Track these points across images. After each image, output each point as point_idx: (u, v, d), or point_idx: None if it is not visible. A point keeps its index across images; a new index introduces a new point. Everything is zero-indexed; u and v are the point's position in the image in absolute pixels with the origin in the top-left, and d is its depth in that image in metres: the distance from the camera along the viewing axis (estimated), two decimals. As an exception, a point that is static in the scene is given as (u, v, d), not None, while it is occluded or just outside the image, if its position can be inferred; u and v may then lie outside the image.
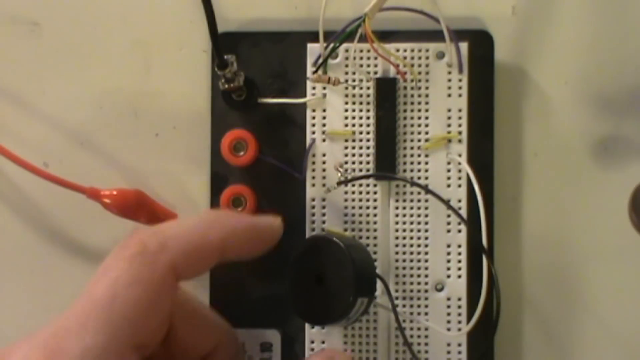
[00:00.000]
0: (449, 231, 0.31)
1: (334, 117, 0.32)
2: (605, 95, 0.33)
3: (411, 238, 0.31)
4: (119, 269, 0.24)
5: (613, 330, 0.32)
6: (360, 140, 0.32)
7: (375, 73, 0.32)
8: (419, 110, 0.32)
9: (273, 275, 0.32)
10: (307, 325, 0.31)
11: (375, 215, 0.31)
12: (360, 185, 0.31)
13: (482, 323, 0.30)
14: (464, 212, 0.31)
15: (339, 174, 0.31)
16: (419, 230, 0.31)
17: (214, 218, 0.27)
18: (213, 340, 0.28)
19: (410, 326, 0.31)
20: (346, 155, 0.32)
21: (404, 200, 0.31)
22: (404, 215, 0.31)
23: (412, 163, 0.31)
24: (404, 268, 0.31)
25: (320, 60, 0.31)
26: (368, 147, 0.32)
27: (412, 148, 0.31)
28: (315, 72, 0.31)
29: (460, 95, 0.31)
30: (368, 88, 0.32)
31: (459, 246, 0.31)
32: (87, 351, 0.22)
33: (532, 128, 0.33)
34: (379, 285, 0.30)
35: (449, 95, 0.31)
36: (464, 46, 0.31)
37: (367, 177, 0.31)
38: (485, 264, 0.30)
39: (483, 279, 0.30)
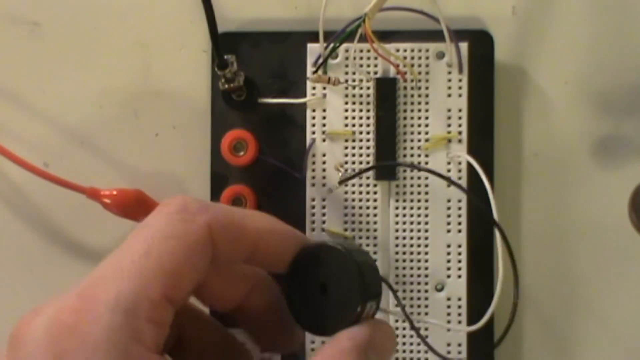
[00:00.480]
0: (449, 231, 0.31)
1: (334, 117, 0.32)
2: (605, 95, 0.33)
3: (411, 238, 0.31)
4: (157, 223, 0.24)
5: (613, 330, 0.32)
6: (360, 140, 0.32)
7: (375, 73, 0.32)
8: (419, 110, 0.32)
9: (273, 275, 0.32)
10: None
11: (375, 215, 0.31)
12: (360, 185, 0.31)
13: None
14: (464, 212, 0.31)
15: (340, 174, 0.31)
16: (419, 231, 0.31)
17: (256, 213, 0.27)
18: (244, 288, 0.27)
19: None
20: (346, 155, 0.32)
21: (404, 201, 0.31)
22: (404, 216, 0.31)
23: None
24: (404, 268, 0.31)
25: (320, 60, 0.31)
26: (368, 147, 0.32)
27: (412, 148, 0.31)
28: (315, 72, 0.31)
29: (460, 95, 0.31)
30: (368, 88, 0.32)
31: (459, 246, 0.31)
32: (121, 295, 0.23)
33: (532, 128, 0.33)
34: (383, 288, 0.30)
35: (449, 95, 0.31)
36: (464, 46, 0.31)
37: (368, 170, 0.31)
38: (499, 238, 0.29)
39: (490, 274, 0.30)
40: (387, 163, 0.31)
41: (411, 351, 0.31)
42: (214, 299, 0.27)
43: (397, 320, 0.31)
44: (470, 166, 0.31)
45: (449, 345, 0.31)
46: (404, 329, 0.31)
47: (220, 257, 0.26)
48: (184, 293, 0.24)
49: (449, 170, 0.31)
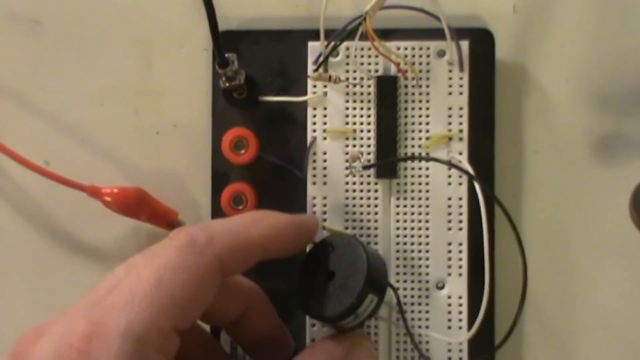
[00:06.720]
0: (449, 229, 0.31)
1: (334, 115, 0.32)
2: (605, 93, 0.33)
3: (412, 236, 0.31)
4: (167, 255, 0.25)
5: (613, 329, 0.32)
6: (361, 139, 0.32)
7: (376, 71, 0.32)
8: (420, 109, 0.32)
9: (274, 273, 0.32)
10: (307, 324, 0.31)
11: (376, 213, 0.31)
12: (361, 183, 0.31)
13: (483, 323, 0.30)
14: (464, 212, 0.31)
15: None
16: (419, 229, 0.31)
17: (257, 216, 0.28)
18: (242, 304, 0.28)
19: (411, 325, 0.31)
20: (347, 153, 0.32)
21: (405, 199, 0.31)
22: (405, 214, 0.31)
23: (412, 161, 0.31)
24: (404, 266, 0.31)
25: (321, 59, 0.31)
26: (369, 146, 0.32)
27: (412, 146, 0.31)
28: (316, 70, 0.31)
29: (461, 94, 0.31)
30: (369, 86, 0.32)
31: (460, 244, 0.31)
32: (131, 325, 0.23)
33: (533, 126, 0.33)
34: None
35: (450, 94, 0.31)
36: (464, 44, 0.31)
37: (389, 162, 0.31)
38: (487, 271, 0.30)
39: (485, 282, 0.30)
40: (408, 157, 0.31)
41: (412, 349, 0.31)
42: (212, 316, 0.28)
43: (397, 319, 0.31)
44: (471, 165, 0.31)
45: (449, 344, 0.31)
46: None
47: (235, 272, 0.26)
48: (191, 322, 0.25)
49: (449, 169, 0.31)
